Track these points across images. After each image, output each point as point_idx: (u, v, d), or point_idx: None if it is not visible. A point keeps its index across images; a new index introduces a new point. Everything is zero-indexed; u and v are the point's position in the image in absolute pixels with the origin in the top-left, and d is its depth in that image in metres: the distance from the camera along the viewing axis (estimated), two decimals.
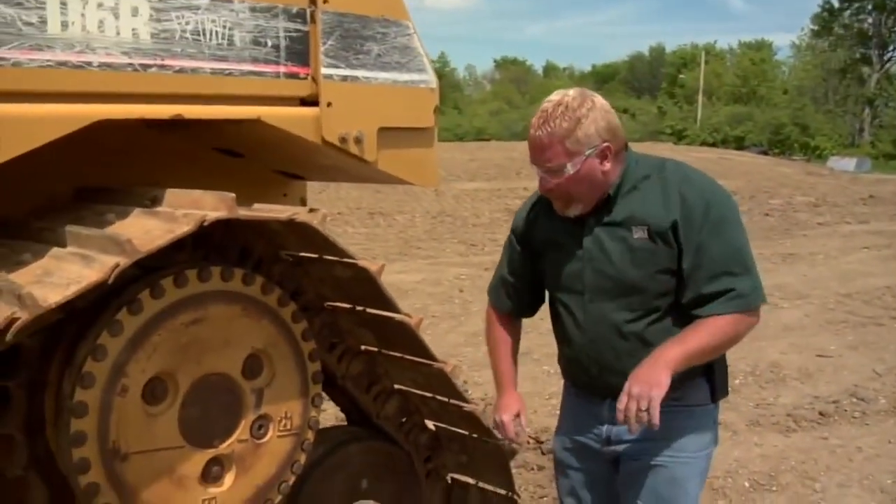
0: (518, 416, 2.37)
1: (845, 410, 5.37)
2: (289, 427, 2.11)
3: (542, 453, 4.36)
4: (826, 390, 5.77)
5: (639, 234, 2.10)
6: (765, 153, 40.80)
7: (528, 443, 2.75)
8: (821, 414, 5.28)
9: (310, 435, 2.17)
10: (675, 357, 2.01)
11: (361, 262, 2.06)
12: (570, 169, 2.05)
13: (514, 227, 2.41)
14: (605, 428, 2.28)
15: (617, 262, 2.14)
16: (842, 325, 7.65)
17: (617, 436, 2.26)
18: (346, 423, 2.91)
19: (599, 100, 2.09)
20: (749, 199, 18.34)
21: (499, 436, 2.45)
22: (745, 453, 4.61)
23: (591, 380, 2.28)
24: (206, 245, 2.04)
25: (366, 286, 2.14)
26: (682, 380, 2.09)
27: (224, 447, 2.01)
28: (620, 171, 2.14)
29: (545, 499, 3.88)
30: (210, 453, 1.99)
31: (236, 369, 2.00)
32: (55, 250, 1.84)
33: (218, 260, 2.03)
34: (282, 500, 2.17)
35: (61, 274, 1.71)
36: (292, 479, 2.17)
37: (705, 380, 2.23)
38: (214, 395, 1.98)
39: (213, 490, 2.01)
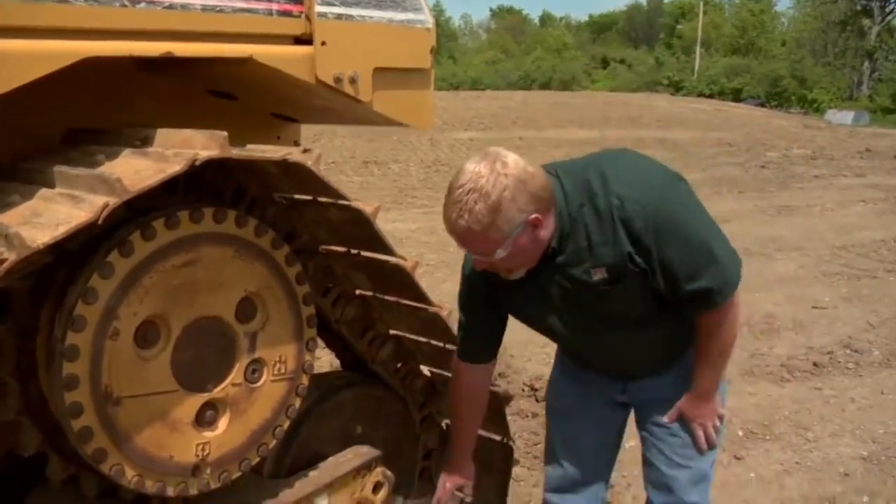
0: (462, 488, 2.43)
1: (839, 361, 5.39)
2: (283, 371, 2.09)
3: (537, 401, 4.37)
4: (820, 341, 5.79)
5: (598, 275, 1.97)
6: (762, 105, 40.61)
7: None
8: (815, 364, 5.30)
9: (304, 379, 2.15)
10: (713, 387, 2.21)
11: (356, 204, 2.02)
12: (502, 252, 1.89)
13: (466, 276, 2.24)
14: (618, 386, 2.37)
15: (587, 305, 2.06)
16: (837, 278, 7.65)
17: (633, 392, 2.36)
18: (340, 369, 2.90)
19: (513, 166, 1.83)
20: (746, 152, 18.27)
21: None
22: (739, 402, 4.64)
23: (597, 370, 2.37)
24: (198, 186, 2.00)
25: (361, 228, 2.10)
26: (679, 350, 2.25)
27: (218, 391, 1.99)
28: (556, 219, 1.96)
29: (539, 446, 3.89)
30: (204, 397, 1.97)
31: (229, 313, 1.97)
32: (44, 191, 1.80)
33: (211, 201, 1.99)
34: (276, 444, 2.16)
35: (50, 215, 1.67)
36: (287, 424, 2.15)
37: None
38: (208, 339, 1.95)
39: (208, 434, 1.99)
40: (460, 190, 1.83)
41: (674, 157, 16.20)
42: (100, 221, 1.58)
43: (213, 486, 2.01)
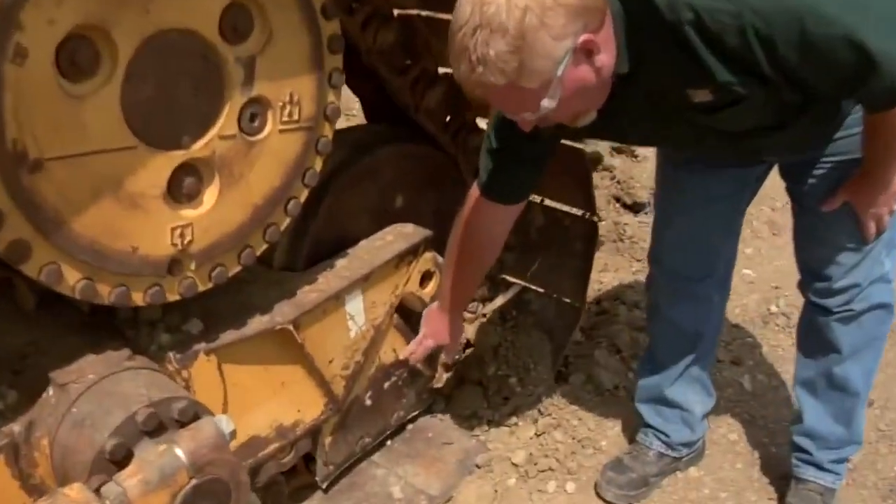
0: (442, 349, 2.17)
1: None
2: (296, 117, 1.53)
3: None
4: None
5: (701, 97, 1.54)
6: None
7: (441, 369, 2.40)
8: None
9: (327, 130, 1.61)
10: (891, 175, 1.75)
11: None
12: (550, 103, 1.42)
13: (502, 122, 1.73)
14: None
15: (697, 123, 1.62)
16: None
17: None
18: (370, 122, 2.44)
19: None
20: None
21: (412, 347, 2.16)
22: None
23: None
24: None
25: None
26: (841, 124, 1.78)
27: (199, 148, 1.42)
28: (617, 29, 1.46)
29: (603, 223, 3.40)
30: (178, 157, 1.39)
31: (210, 25, 1.36)
32: None
33: None
34: (290, 225, 1.66)
35: None
36: (304, 195, 1.64)
37: None
38: (178, 68, 1.35)
39: (188, 213, 1.45)
40: (462, 32, 1.35)
41: None
42: None
43: (200, 287, 1.52)
